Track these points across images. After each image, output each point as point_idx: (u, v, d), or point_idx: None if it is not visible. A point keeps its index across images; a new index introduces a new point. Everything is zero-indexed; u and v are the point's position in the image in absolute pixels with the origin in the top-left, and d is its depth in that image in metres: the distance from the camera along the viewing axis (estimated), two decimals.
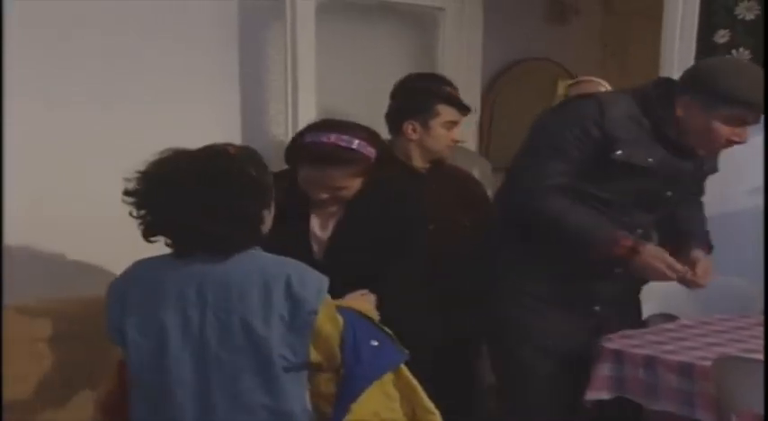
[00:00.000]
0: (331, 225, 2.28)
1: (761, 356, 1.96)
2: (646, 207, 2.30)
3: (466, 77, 3.51)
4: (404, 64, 3.38)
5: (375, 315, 1.97)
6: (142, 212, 1.65)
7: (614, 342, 2.25)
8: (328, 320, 1.68)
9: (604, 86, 2.99)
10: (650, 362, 2.12)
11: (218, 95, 2.88)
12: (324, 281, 1.68)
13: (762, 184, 2.84)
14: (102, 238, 2.37)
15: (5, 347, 2.24)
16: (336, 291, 1.98)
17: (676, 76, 2.92)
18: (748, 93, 2.08)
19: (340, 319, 1.71)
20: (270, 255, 1.71)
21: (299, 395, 1.68)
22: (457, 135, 2.62)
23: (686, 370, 2.04)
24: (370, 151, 2.19)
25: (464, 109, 2.63)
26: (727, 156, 2.58)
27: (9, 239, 2.41)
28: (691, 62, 2.94)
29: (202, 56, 2.83)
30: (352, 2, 3.31)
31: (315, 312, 1.63)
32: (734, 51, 2.91)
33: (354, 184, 2.22)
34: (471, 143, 3.70)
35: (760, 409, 1.82)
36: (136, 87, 2.67)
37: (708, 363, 2.01)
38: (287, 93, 2.94)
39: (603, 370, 2.19)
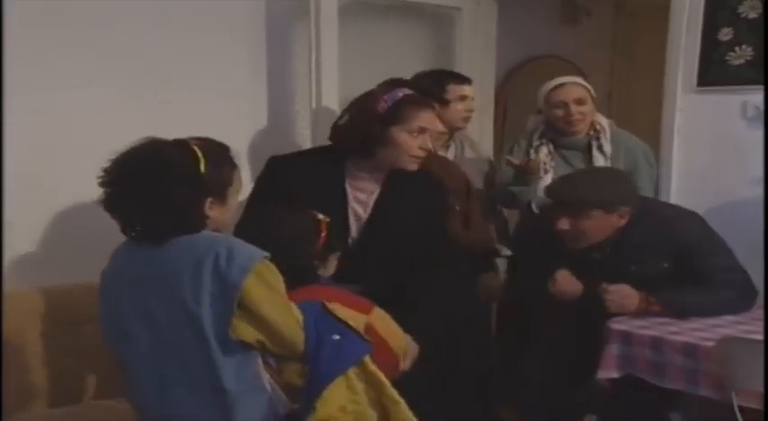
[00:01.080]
0: (370, 203, 2.36)
1: (761, 337, 2.03)
2: None
3: (481, 74, 3.61)
4: (423, 61, 3.45)
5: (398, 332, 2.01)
6: (102, 194, 1.74)
7: (622, 323, 2.34)
8: (265, 300, 1.67)
9: (586, 87, 3.02)
10: (657, 343, 2.20)
11: (247, 90, 2.97)
12: (254, 257, 1.68)
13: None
14: None
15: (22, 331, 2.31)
16: (369, 276, 2.12)
17: (681, 73, 3.06)
18: None
19: (293, 307, 1.74)
20: (214, 234, 1.75)
21: (238, 373, 1.69)
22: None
23: (690, 350, 2.12)
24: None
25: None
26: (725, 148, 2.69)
27: (30, 226, 2.49)
28: (695, 60, 3.02)
29: (232, 53, 2.92)
30: (373, 3, 3.38)
31: (236, 287, 1.63)
32: (737, 48, 2.93)
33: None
34: (487, 138, 3.84)
35: (759, 388, 1.90)
36: (167, 84, 2.73)
37: (710, 344, 2.08)
38: (311, 88, 3.02)
39: (612, 350, 2.27)
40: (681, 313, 2.39)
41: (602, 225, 2.45)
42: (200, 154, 1.75)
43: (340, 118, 2.41)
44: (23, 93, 2.39)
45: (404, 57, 3.47)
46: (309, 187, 2.28)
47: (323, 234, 2.01)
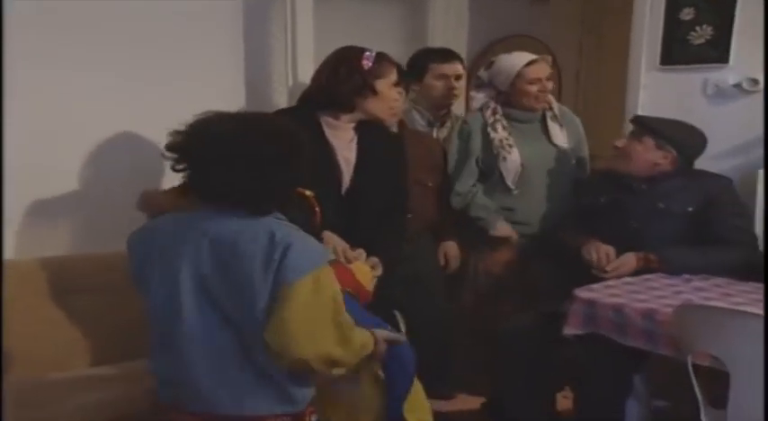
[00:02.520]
0: (354, 147, 2.56)
1: (719, 304, 2.15)
2: None
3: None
4: (396, 40, 3.55)
5: (370, 278, 2.17)
6: (182, 166, 1.69)
7: (588, 292, 2.41)
8: (302, 302, 1.62)
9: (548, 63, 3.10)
10: (618, 308, 2.28)
11: (226, 71, 3.03)
12: (319, 258, 1.67)
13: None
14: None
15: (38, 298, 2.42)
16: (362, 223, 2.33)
17: (645, 51, 3.15)
18: None
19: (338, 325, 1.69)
20: (283, 223, 1.72)
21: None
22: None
23: (650, 314, 2.21)
24: None
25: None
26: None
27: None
28: (659, 38, 3.11)
29: (212, 35, 2.97)
30: None
31: (290, 284, 1.60)
32: (698, 28, 3.01)
33: None
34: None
35: (710, 350, 2.00)
36: (149, 63, 2.78)
37: (669, 310, 2.16)
38: (287, 66, 3.12)
39: (578, 309, 2.37)
40: (676, 271, 2.58)
41: (647, 155, 2.74)
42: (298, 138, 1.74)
43: (318, 76, 2.57)
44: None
45: (377, 36, 3.48)
46: None
47: (317, 209, 1.96)
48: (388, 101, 2.56)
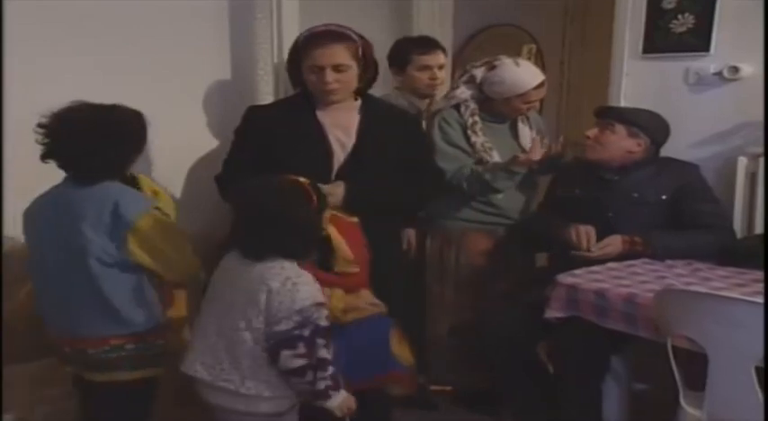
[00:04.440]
0: (353, 130, 2.55)
1: (699, 288, 2.20)
2: None
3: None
4: (381, 28, 3.53)
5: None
6: (47, 140, 2.09)
7: (569, 277, 2.45)
8: (158, 232, 2.10)
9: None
10: (601, 292, 2.32)
11: (211, 58, 3.00)
12: (144, 206, 2.11)
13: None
14: None
15: None
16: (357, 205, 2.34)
17: (628, 39, 3.17)
18: None
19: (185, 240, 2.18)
20: (117, 185, 2.14)
21: (127, 293, 2.12)
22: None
23: (631, 298, 2.25)
24: (358, 38, 2.52)
25: None
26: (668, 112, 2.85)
27: None
28: (641, 27, 3.13)
29: (197, 21, 2.94)
30: None
31: (128, 225, 2.05)
32: (680, 16, 3.04)
33: (353, 72, 2.49)
34: None
35: (691, 334, 2.04)
36: (129, 47, 2.74)
37: (651, 295, 2.20)
38: (272, 53, 3.09)
39: (560, 293, 2.41)
40: (659, 256, 2.63)
41: (620, 143, 2.80)
42: (138, 116, 2.17)
43: None
44: None
45: (362, 24, 3.46)
46: (285, 124, 2.52)
47: (314, 197, 2.04)
48: (311, 84, 2.51)
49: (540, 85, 2.98)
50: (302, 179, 2.06)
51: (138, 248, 2.09)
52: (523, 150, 3.03)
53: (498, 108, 3.04)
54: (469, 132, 3.00)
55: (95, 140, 2.08)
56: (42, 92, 2.03)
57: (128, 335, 2.14)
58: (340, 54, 2.47)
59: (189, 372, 2.07)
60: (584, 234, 2.67)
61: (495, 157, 2.98)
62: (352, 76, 2.50)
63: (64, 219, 2.10)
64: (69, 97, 2.12)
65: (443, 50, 3.29)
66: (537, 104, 3.10)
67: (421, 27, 3.73)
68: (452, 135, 3.00)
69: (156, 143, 2.34)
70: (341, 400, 2.01)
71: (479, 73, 3.02)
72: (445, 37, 3.85)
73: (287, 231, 1.98)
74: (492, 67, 3.00)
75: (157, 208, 2.18)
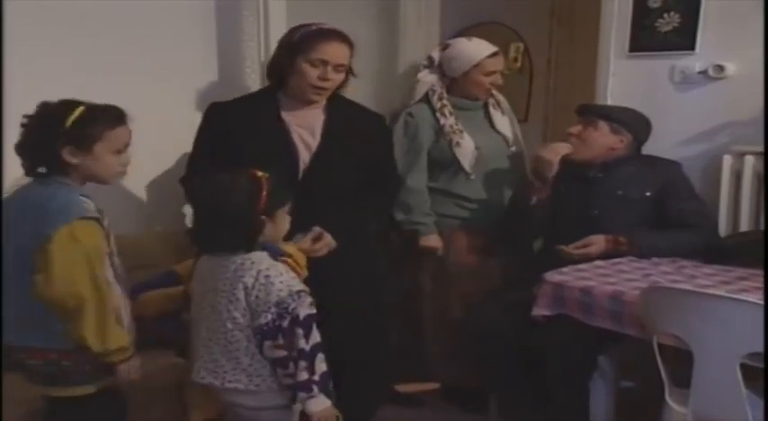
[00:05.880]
0: (317, 129, 2.51)
1: (685, 286, 2.20)
2: None
3: (425, 39, 3.68)
4: (368, 26, 3.52)
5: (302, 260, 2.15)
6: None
7: (556, 275, 2.45)
8: (58, 249, 1.88)
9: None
10: (587, 290, 2.32)
11: (198, 56, 3.02)
12: (70, 217, 1.91)
13: None
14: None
15: None
16: (319, 207, 2.29)
17: (614, 39, 3.18)
18: None
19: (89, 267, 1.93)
20: (54, 187, 1.97)
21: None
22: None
23: (617, 296, 2.25)
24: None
25: None
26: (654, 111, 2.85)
27: None
28: (627, 26, 3.15)
29: (185, 20, 2.96)
30: None
31: (47, 238, 1.87)
32: (665, 15, 3.05)
33: (342, 75, 2.49)
34: None
35: (677, 331, 2.04)
36: (115, 44, 2.74)
37: (637, 292, 2.20)
38: (259, 51, 3.11)
39: (546, 291, 2.41)
40: (644, 254, 2.63)
41: (603, 139, 2.81)
42: (77, 109, 1.97)
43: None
44: None
45: (349, 21, 3.47)
46: (247, 123, 2.45)
47: (264, 192, 1.99)
48: (307, 78, 2.45)
49: (495, 55, 3.04)
50: (260, 173, 2.02)
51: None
52: (499, 135, 3.11)
53: (462, 87, 3.07)
54: (438, 115, 3.02)
55: (30, 135, 1.99)
56: (42, 92, 1.98)
57: (56, 349, 1.98)
58: (344, 54, 2.48)
59: (197, 380, 2.05)
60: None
61: (467, 140, 3.01)
62: (341, 79, 2.51)
63: (18, 218, 2.01)
64: (69, 97, 2.11)
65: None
66: (499, 78, 3.08)
67: (408, 24, 3.70)
68: (414, 141, 3.01)
69: (145, 141, 2.31)
70: (322, 408, 1.94)
71: (436, 54, 3.10)
72: (433, 34, 3.82)
73: (224, 225, 1.97)
74: (446, 47, 3.10)
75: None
